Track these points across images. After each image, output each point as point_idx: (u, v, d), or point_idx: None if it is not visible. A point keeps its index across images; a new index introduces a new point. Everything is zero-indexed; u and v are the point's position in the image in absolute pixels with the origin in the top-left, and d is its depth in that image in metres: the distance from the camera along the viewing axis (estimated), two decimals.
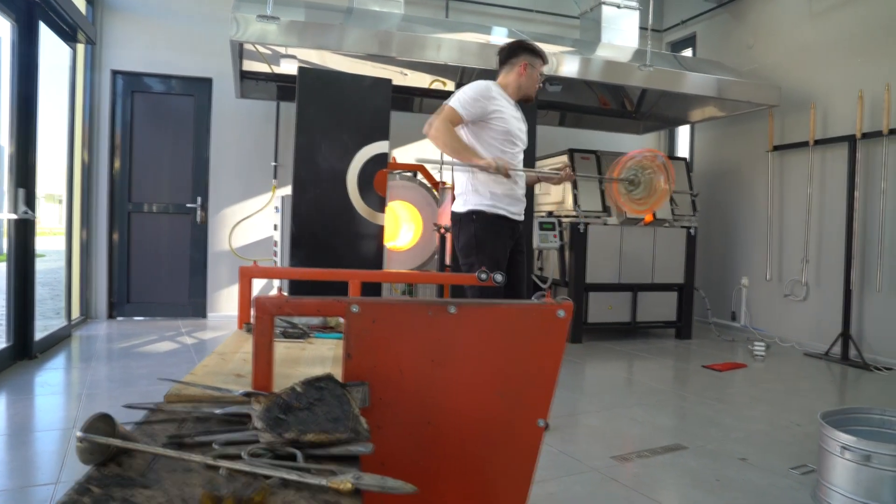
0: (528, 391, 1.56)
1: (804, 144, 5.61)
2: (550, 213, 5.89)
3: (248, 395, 1.40)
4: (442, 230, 4.16)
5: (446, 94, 5.70)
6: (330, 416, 1.25)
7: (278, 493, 0.97)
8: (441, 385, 1.50)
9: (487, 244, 3.05)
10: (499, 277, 2.41)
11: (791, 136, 5.83)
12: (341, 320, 2.45)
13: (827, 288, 5.52)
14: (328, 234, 4.23)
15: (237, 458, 1.08)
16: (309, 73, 4.17)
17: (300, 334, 2.22)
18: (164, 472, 1.02)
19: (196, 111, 6.06)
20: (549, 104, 6.38)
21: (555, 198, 5.88)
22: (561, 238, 5.56)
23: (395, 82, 5.13)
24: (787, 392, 4.19)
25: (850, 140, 5.17)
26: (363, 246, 4.33)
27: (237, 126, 6.04)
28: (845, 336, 5.18)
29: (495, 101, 3.01)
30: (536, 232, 5.43)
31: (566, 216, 5.65)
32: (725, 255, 6.60)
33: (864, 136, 5.09)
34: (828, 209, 5.52)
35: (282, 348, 2.05)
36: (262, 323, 1.40)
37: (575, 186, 5.51)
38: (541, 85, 3.13)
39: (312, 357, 1.97)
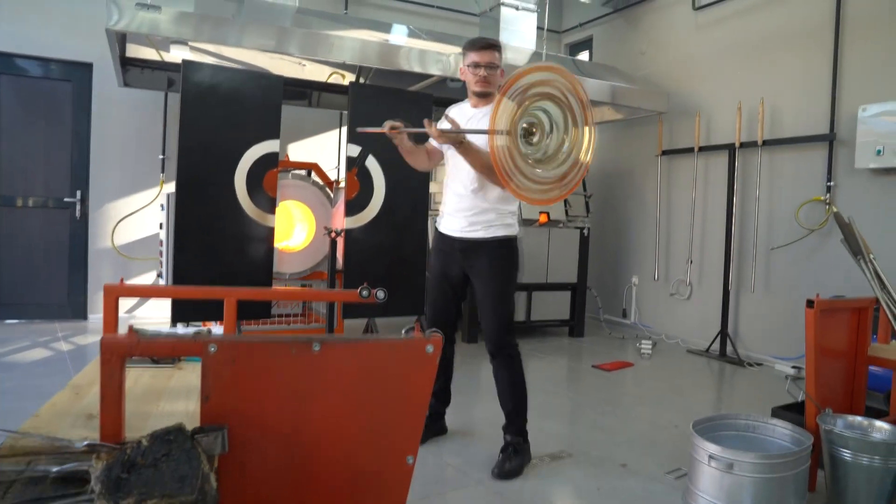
0: (396, 428, 1.52)
1: (690, 150, 5.88)
2: None
3: (91, 447, 1.29)
4: (332, 234, 4.06)
5: (345, 89, 5.60)
6: (177, 474, 1.17)
7: None
8: (307, 424, 1.44)
9: (430, 262, 3.09)
10: (380, 294, 2.36)
11: (679, 141, 6.10)
12: None
13: (708, 288, 5.83)
14: (215, 237, 4.05)
15: None
16: (194, 68, 3.95)
17: (170, 360, 2.09)
18: None
19: (75, 98, 5.64)
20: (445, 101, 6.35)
21: None
22: None
23: (292, 74, 4.97)
24: (669, 391, 4.40)
25: (731, 148, 5.46)
26: (252, 249, 4.18)
27: (121, 115, 5.68)
28: (723, 334, 5.49)
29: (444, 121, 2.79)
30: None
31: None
32: (617, 254, 6.85)
33: (743, 145, 5.39)
34: (710, 213, 5.82)
35: (147, 377, 1.93)
36: (109, 366, 1.29)
37: None
38: (483, 73, 2.76)
39: (178, 388, 1.86)
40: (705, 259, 5.88)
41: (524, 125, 2.49)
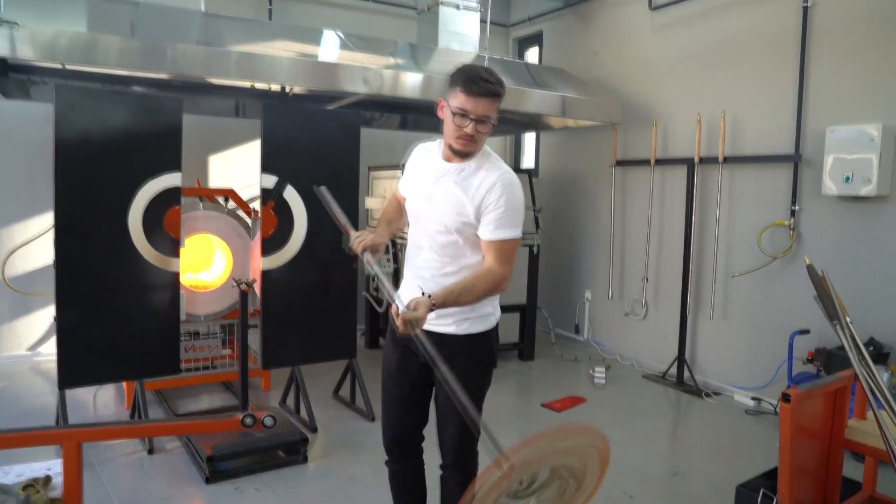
0: None
1: (646, 162, 5.49)
2: None
3: None
4: (243, 286, 3.54)
5: (272, 95, 5.03)
6: None
7: None
8: None
9: (385, 352, 2.44)
10: (268, 421, 1.90)
11: (634, 151, 5.70)
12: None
13: (665, 309, 5.50)
14: (106, 290, 3.49)
15: None
16: (69, 93, 3.34)
17: None
18: None
19: None
20: (386, 105, 5.83)
21: None
22: (395, 261, 5.11)
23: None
24: (624, 441, 4.02)
25: (689, 163, 5.08)
26: (154, 299, 3.63)
27: (11, 131, 4.99)
28: (680, 360, 5.18)
29: (410, 164, 2.33)
30: (367, 253, 4.94)
31: (400, 237, 5.20)
32: (570, 268, 6.46)
33: (703, 160, 5.01)
34: (667, 230, 5.46)
35: None
36: None
37: None
38: (469, 130, 2.05)
39: None
40: (661, 278, 5.54)
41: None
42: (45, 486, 1.79)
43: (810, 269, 2.88)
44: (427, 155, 2.27)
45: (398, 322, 1.88)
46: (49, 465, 1.88)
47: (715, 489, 3.36)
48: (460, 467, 2.32)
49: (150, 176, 3.54)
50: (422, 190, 2.23)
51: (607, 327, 6.11)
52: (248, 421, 1.81)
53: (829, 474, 2.72)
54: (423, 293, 1.94)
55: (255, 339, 4.15)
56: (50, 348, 5.25)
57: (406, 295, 2.12)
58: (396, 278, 5.22)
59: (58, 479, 1.82)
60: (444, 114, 2.11)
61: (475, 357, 2.26)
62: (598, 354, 5.94)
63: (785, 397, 2.33)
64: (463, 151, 2.12)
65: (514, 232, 2.14)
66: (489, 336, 2.29)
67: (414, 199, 2.26)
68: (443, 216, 2.16)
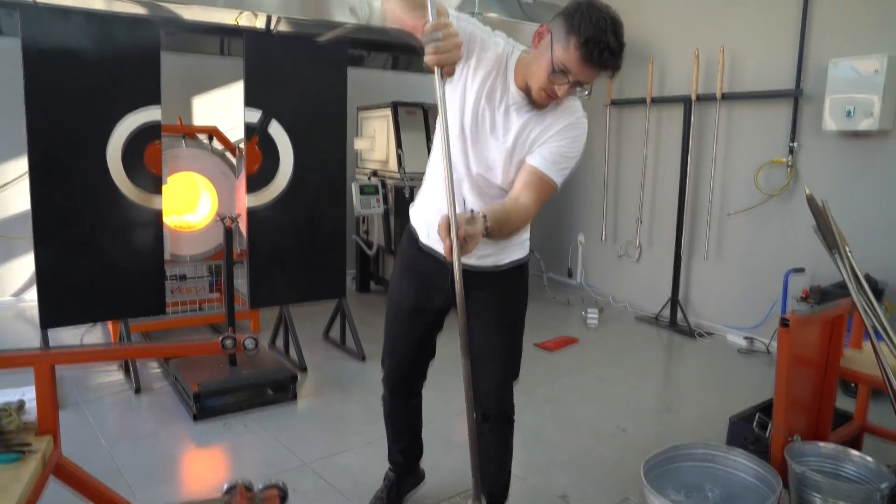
0: None
1: (642, 102, 5.36)
2: (375, 173, 5.31)
3: None
4: (228, 221, 3.44)
5: (258, 30, 4.82)
6: None
7: None
8: None
9: (395, 285, 2.22)
10: (249, 343, 1.83)
11: (630, 90, 5.56)
12: (22, 418, 1.78)
13: (659, 251, 5.44)
14: (86, 228, 3.38)
15: None
16: (35, 16, 3.15)
17: None
18: None
19: None
20: (376, 44, 5.63)
21: (379, 156, 5.28)
22: (385, 202, 5.01)
23: (183, 15, 4.18)
24: (616, 378, 4.02)
25: (686, 101, 4.95)
26: (136, 237, 3.53)
27: None
28: (674, 302, 5.15)
29: (484, 52, 1.80)
30: (357, 196, 4.85)
31: (391, 178, 5.09)
32: (562, 211, 6.37)
33: (699, 98, 4.88)
34: (662, 171, 5.36)
35: None
36: None
37: (399, 146, 4.93)
38: (564, 91, 1.73)
39: None
40: (656, 220, 5.46)
41: None
42: (18, 411, 1.72)
43: (810, 199, 2.80)
44: (501, 63, 1.82)
45: (455, 237, 1.47)
46: (24, 391, 1.82)
47: (707, 423, 3.35)
48: (503, 415, 2.19)
49: (129, 110, 3.40)
50: (481, 109, 1.83)
51: (600, 271, 6.06)
52: (229, 343, 1.74)
53: (822, 403, 2.69)
54: (471, 211, 1.59)
55: (243, 284, 4.08)
56: (34, 294, 5.16)
57: (434, 218, 1.80)
58: (387, 221, 5.13)
59: (32, 405, 1.75)
60: (540, 49, 1.72)
61: (517, 288, 2.10)
62: (590, 297, 5.90)
63: (783, 322, 2.28)
64: (540, 105, 1.81)
65: (561, 179, 1.87)
66: (527, 264, 2.14)
67: (467, 114, 1.84)
68: (500, 155, 1.85)
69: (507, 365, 2.13)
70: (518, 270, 2.09)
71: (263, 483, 1.04)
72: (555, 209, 6.40)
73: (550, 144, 1.83)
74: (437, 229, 1.52)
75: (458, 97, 1.84)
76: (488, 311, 2.05)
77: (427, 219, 2.05)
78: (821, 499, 2.23)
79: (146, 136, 3.47)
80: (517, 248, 2.06)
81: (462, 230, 1.48)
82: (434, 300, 2.08)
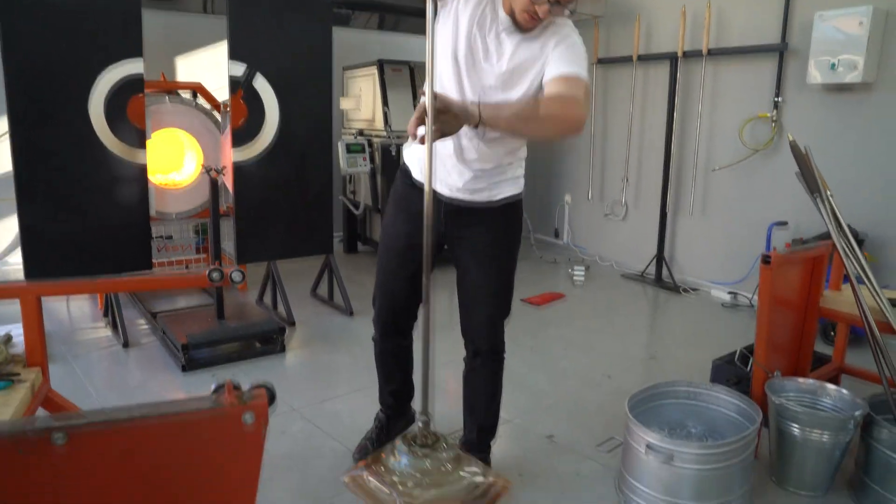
0: None
1: (628, 60, 5.34)
2: (361, 132, 5.28)
3: None
4: (213, 173, 3.42)
5: None
6: None
7: None
8: None
9: (388, 222, 2.22)
10: (236, 276, 1.84)
11: (616, 48, 5.54)
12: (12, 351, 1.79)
13: (644, 209, 5.47)
14: (70, 183, 3.35)
15: None
16: None
17: None
18: None
19: None
20: (361, 4, 5.58)
21: (365, 115, 5.25)
22: (371, 161, 5.00)
23: None
24: (602, 330, 4.08)
25: (672, 58, 4.95)
26: (121, 192, 3.50)
27: None
28: (659, 258, 5.20)
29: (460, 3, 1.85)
30: (344, 155, 4.83)
31: (377, 136, 5.07)
32: (549, 171, 6.38)
33: (686, 55, 4.88)
34: (648, 129, 5.37)
35: None
36: None
37: (386, 104, 4.90)
38: (545, 9, 1.75)
39: None
40: (642, 178, 5.49)
41: None
42: (5, 343, 1.73)
43: (793, 145, 2.83)
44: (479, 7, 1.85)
45: (430, 123, 1.43)
46: (10, 328, 1.82)
47: (691, 370, 3.41)
48: (494, 351, 2.22)
49: (110, 62, 3.35)
50: (473, 37, 1.85)
51: (587, 230, 6.10)
52: (216, 276, 1.75)
53: (802, 344, 2.75)
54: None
55: (230, 245, 4.07)
56: (19, 257, 5.13)
57: (420, 162, 1.94)
58: (374, 180, 5.12)
59: (19, 340, 1.76)
60: None
61: (511, 225, 2.11)
62: (577, 257, 5.94)
63: (765, 259, 2.32)
64: (525, 27, 1.83)
65: (585, 73, 1.83)
66: (521, 201, 2.13)
67: (461, 42, 1.85)
68: (495, 81, 1.86)
69: (499, 302, 2.16)
70: (512, 207, 2.10)
71: (251, 384, 1.07)
72: (541, 169, 6.40)
73: (553, 56, 1.84)
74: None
75: (450, 27, 1.86)
76: (481, 248, 2.08)
77: (419, 155, 2.06)
78: (798, 428, 2.29)
79: (129, 89, 3.42)
80: (511, 184, 2.07)
81: (439, 122, 1.49)
82: (414, 222, 2.06)
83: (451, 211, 2.05)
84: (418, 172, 2.10)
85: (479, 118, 1.60)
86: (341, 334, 3.79)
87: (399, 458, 1.31)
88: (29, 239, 3.32)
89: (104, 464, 0.90)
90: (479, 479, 1.33)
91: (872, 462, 2.22)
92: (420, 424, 1.39)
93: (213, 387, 1.13)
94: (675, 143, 5.04)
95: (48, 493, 0.89)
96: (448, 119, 1.52)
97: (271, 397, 1.14)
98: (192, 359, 3.22)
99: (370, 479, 1.29)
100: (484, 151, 1.95)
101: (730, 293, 4.76)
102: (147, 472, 0.93)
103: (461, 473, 1.33)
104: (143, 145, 3.53)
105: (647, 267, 5.27)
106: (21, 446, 0.86)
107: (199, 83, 4.27)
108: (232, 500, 1.01)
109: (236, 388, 1.01)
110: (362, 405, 2.84)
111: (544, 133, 1.86)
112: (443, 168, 1.99)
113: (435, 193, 1.98)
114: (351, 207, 5.39)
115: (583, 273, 5.15)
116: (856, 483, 2.32)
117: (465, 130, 1.89)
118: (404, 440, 1.36)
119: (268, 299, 4.23)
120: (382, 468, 1.31)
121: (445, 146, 1.95)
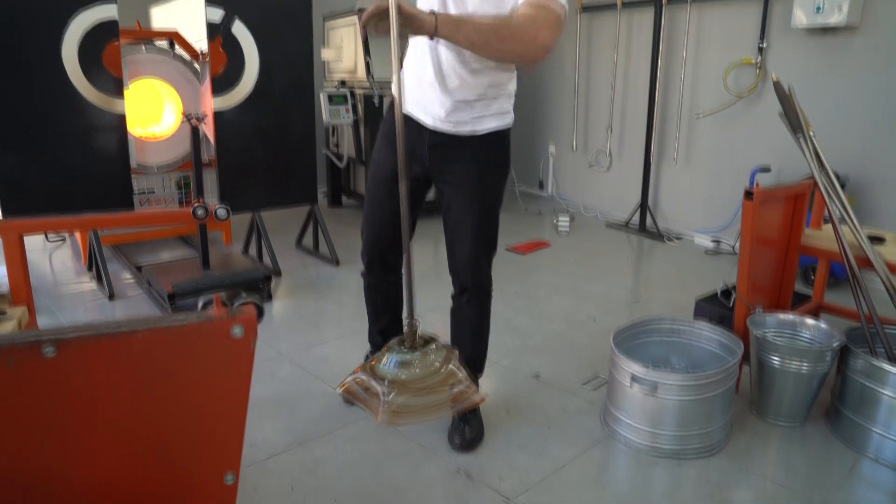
0: (202, 445, 1.07)
1: (613, 7, 5.28)
2: (343, 83, 5.20)
3: None
4: (194, 121, 3.37)
5: None
6: None
7: None
8: (61, 464, 0.96)
9: (375, 156, 2.18)
10: (221, 213, 1.83)
11: None
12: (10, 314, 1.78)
13: (629, 159, 5.48)
14: (46, 131, 3.29)
15: None
16: None
17: None
18: None
19: None
20: None
21: (347, 65, 5.17)
22: (354, 112, 4.94)
23: None
24: (587, 276, 4.11)
25: (657, 4, 4.89)
26: (99, 141, 3.45)
27: None
28: (643, 207, 5.22)
29: None
30: (326, 106, 4.76)
31: (360, 87, 5.00)
32: (533, 121, 6.35)
33: (670, 0, 4.82)
34: (632, 77, 5.34)
35: None
36: None
37: (368, 53, 4.82)
38: None
39: None
40: (626, 128, 5.47)
41: None
42: None
43: (777, 84, 2.83)
44: None
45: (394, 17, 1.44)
46: None
47: (674, 310, 3.47)
48: (481, 287, 2.22)
49: (80, 5, 3.26)
50: None
51: (571, 181, 6.10)
52: (201, 212, 1.74)
53: (783, 281, 2.79)
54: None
55: (213, 202, 4.03)
56: None
57: (415, 83, 1.96)
58: (357, 131, 5.07)
59: (3, 280, 1.75)
60: None
61: (494, 156, 2.08)
62: (562, 208, 5.95)
63: (748, 195, 2.34)
64: None
65: (560, 2, 1.75)
66: (507, 135, 2.11)
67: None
68: (479, 4, 1.81)
69: (484, 238, 2.16)
70: (498, 139, 2.07)
71: (238, 300, 1.08)
72: (526, 120, 6.36)
73: None
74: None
75: None
76: (466, 182, 2.06)
77: (406, 86, 2.04)
78: (778, 359, 2.34)
79: (102, 34, 3.34)
80: (495, 118, 2.04)
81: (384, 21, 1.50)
82: (412, 168, 2.04)
83: (436, 144, 2.03)
84: (404, 103, 2.07)
85: (434, 29, 1.57)
86: (328, 283, 3.80)
87: (388, 359, 1.36)
88: (6, 185, 3.26)
89: (94, 375, 0.91)
90: (462, 378, 1.41)
91: (847, 391, 2.29)
92: (407, 328, 1.43)
93: (200, 303, 1.14)
94: (659, 90, 5.01)
95: (39, 405, 0.90)
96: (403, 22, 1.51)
97: (260, 312, 1.15)
98: (178, 308, 3.21)
99: (361, 377, 1.33)
100: (466, 80, 1.92)
101: (713, 240, 4.80)
102: (137, 383, 0.94)
103: (448, 369, 1.40)
104: (121, 94, 3.47)
105: (632, 216, 5.30)
106: (11, 359, 0.86)
107: (176, 31, 4.17)
108: (222, 411, 1.02)
109: (224, 304, 1.02)
110: (350, 349, 2.86)
111: (504, 53, 1.79)
112: (425, 96, 1.98)
113: (418, 122, 2.00)
114: (335, 160, 5.34)
115: (568, 222, 5.17)
116: (831, 412, 2.39)
117: (446, 56, 1.89)
118: (395, 343, 1.41)
119: (253, 251, 4.21)
120: (372, 372, 1.35)
121: (426, 72, 1.94)
